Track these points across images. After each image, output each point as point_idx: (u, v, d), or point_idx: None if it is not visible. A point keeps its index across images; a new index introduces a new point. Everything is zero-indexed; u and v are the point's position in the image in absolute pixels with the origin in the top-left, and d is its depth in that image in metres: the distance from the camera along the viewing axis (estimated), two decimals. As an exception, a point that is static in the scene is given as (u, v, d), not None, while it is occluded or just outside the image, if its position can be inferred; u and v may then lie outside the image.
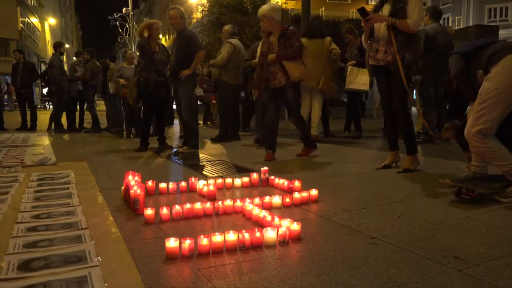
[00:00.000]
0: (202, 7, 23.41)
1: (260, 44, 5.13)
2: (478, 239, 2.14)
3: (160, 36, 7.97)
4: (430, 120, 5.74)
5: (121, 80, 7.94)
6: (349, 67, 6.58)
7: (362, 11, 3.80)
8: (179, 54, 5.62)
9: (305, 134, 4.99)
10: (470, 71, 3.03)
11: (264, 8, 4.69)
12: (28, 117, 10.10)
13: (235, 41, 6.91)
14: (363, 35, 4.01)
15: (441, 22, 6.29)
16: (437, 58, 5.47)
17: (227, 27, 7.23)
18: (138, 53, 6.12)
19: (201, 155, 5.31)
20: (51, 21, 50.81)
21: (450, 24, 30.08)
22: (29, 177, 3.83)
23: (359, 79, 6.44)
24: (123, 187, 3.04)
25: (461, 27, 25.89)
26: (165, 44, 6.29)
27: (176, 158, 5.16)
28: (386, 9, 3.80)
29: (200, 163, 4.71)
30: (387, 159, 4.11)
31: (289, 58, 4.58)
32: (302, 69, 4.63)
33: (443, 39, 5.72)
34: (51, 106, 10.69)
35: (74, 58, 10.06)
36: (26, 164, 4.71)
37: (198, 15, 27.09)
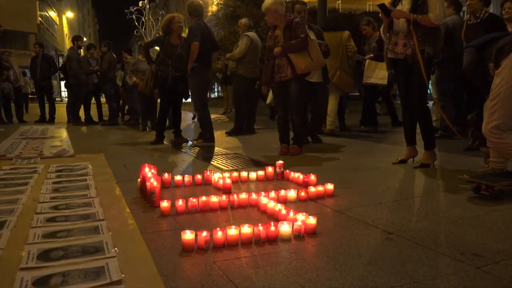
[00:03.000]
0: (218, 0, 23.37)
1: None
2: (497, 236, 2.10)
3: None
4: (448, 115, 5.65)
5: (134, 78, 8.05)
6: (367, 61, 6.48)
7: (383, 7, 3.74)
8: (186, 48, 5.63)
9: (298, 135, 4.80)
10: (483, 64, 2.98)
11: (267, 1, 4.63)
12: (47, 110, 10.26)
13: (252, 34, 6.88)
14: (382, 27, 3.95)
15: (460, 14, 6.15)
16: (456, 52, 5.36)
17: (243, 21, 7.20)
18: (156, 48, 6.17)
19: (216, 148, 5.32)
20: (69, 14, 51.38)
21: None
22: (48, 168, 3.89)
23: (377, 73, 6.35)
24: (139, 179, 3.07)
25: (481, 19, 25.27)
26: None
27: (192, 151, 5.19)
28: (406, 1, 3.74)
29: (215, 156, 4.72)
30: (404, 154, 4.06)
31: (295, 50, 4.53)
32: (308, 61, 4.57)
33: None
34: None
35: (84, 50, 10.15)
36: (45, 155, 4.79)
37: (213, 8, 27.07)
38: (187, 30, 6.63)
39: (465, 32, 5.16)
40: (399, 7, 3.76)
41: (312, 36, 5.34)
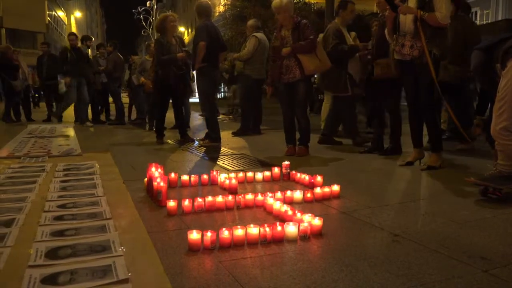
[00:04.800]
0: (225, 1, 23.42)
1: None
2: (505, 240, 2.09)
3: (182, 29, 8.01)
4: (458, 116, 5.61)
5: (142, 78, 8.09)
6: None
7: (390, 1, 3.71)
8: (193, 48, 5.64)
9: (307, 136, 4.79)
10: (491, 66, 2.96)
11: (283, 0, 4.60)
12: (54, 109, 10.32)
13: (260, 35, 6.89)
14: (386, 28, 3.94)
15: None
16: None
17: (250, 22, 7.21)
18: (155, 50, 6.13)
19: (222, 149, 5.33)
20: (77, 14, 51.71)
21: (478, 18, 29.28)
22: (56, 167, 3.92)
23: None
24: (146, 179, 3.09)
25: (489, 21, 25.11)
26: (187, 38, 6.29)
27: (198, 151, 5.20)
28: (412, 2, 3.72)
29: (221, 156, 4.73)
30: (411, 156, 4.05)
31: (304, 52, 4.55)
32: (316, 62, 4.58)
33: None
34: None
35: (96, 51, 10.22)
36: (53, 154, 4.83)
37: (220, 8, 27.12)
38: (192, 31, 6.62)
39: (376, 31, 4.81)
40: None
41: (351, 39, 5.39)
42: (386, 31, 3.98)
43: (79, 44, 9.28)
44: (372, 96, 4.96)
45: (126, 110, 10.12)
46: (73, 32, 9.12)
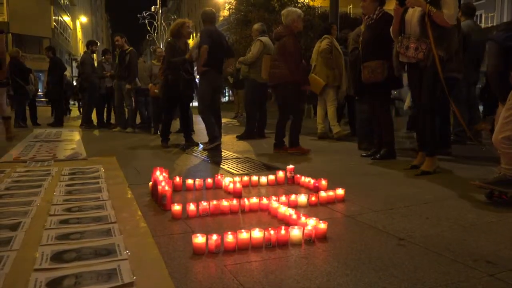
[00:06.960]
0: (229, 5, 23.49)
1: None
2: (511, 244, 2.08)
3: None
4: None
5: (150, 85, 8.12)
6: None
7: None
8: (198, 52, 5.66)
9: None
10: (507, 74, 2.94)
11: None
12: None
13: (265, 39, 6.91)
14: (392, 28, 3.93)
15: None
16: (470, 57, 5.32)
17: (256, 26, 7.25)
18: (166, 52, 6.15)
19: (226, 152, 5.34)
20: (83, 19, 52.11)
21: (483, 21, 29.19)
22: (61, 171, 3.94)
23: None
24: (151, 183, 3.10)
25: (494, 24, 25.02)
26: (191, 42, 6.33)
27: (202, 155, 5.21)
28: None
29: (226, 160, 4.73)
30: (416, 159, 4.03)
31: None
32: None
33: (477, 37, 5.55)
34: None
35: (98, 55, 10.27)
36: (58, 158, 4.86)
37: (225, 13, 27.20)
38: (197, 35, 6.67)
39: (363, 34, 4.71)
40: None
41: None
42: (391, 30, 3.96)
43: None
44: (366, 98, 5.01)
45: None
46: (119, 33, 8.77)
